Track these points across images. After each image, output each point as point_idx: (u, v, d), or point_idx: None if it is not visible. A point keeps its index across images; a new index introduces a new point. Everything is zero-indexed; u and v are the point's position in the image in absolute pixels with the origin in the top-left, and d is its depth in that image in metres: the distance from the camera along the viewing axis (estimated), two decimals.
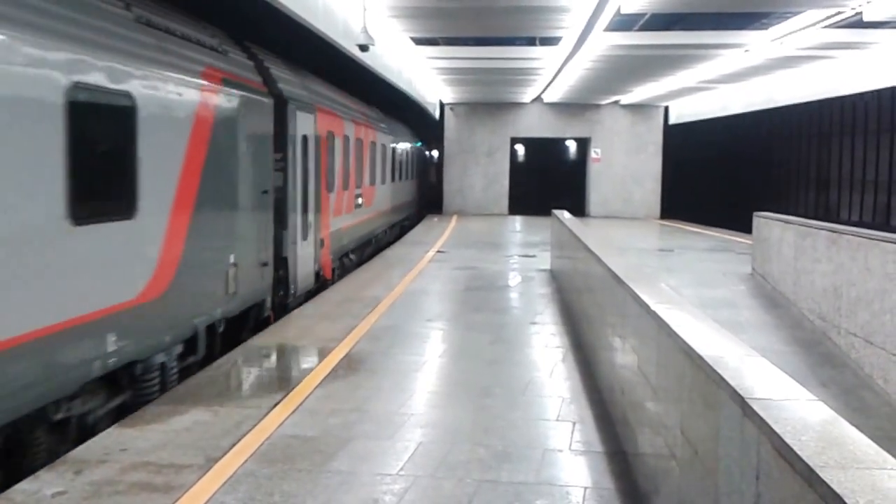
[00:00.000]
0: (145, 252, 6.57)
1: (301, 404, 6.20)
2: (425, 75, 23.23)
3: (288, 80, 11.03)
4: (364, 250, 16.87)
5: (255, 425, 5.66)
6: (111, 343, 6.04)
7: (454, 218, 29.08)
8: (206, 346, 7.75)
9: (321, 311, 10.21)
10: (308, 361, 7.63)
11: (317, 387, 6.69)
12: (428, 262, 15.89)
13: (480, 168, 31.46)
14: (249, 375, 7.11)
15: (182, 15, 7.91)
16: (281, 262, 10.34)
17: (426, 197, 32.77)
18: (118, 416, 6.19)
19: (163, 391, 6.79)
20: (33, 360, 5.18)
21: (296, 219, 10.79)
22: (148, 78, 6.52)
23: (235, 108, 8.47)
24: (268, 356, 7.84)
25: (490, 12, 14.00)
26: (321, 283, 12.26)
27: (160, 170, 6.76)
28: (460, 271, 14.55)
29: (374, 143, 17.67)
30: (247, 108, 8.81)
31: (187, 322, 7.40)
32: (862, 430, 2.45)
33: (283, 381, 6.94)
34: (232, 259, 8.47)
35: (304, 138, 11.14)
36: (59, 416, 5.60)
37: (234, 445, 5.25)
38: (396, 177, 22.19)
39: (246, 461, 4.98)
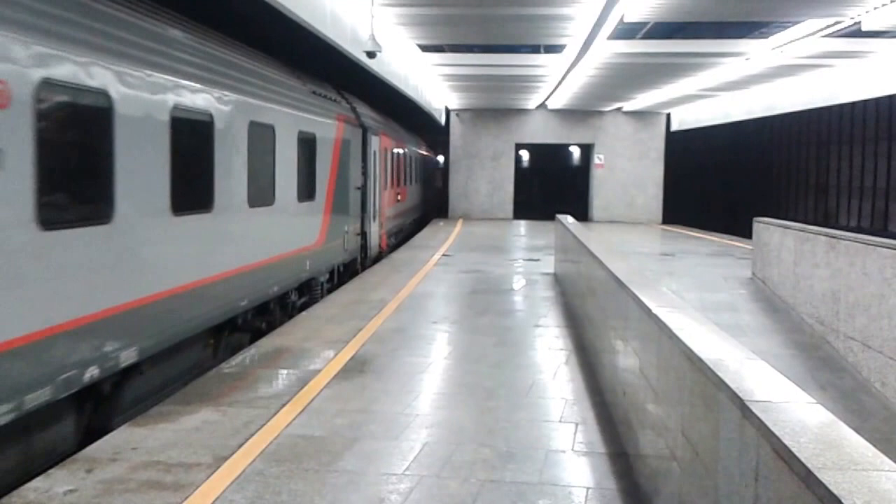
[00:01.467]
0: (318, 219, 11.84)
1: (308, 405, 6.26)
2: (431, 82, 23.34)
3: (365, 115, 16.00)
4: (399, 235, 21.80)
5: (263, 425, 5.72)
6: (307, 266, 11.17)
7: (459, 222, 29.16)
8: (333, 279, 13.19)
9: (329, 314, 10.29)
10: (315, 363, 7.68)
11: (324, 387, 6.75)
12: (433, 265, 15.96)
13: (486, 173, 31.57)
14: (258, 376, 7.16)
15: (316, 78, 12.99)
16: (363, 235, 15.41)
17: (431, 201, 33.01)
18: (303, 308, 10.96)
19: (321, 297, 11.82)
20: (286, 268, 10.12)
21: (370, 206, 15.96)
22: (320, 124, 11.82)
23: (347, 136, 13.63)
24: (276, 357, 7.89)
25: (495, 20, 14.11)
26: (380, 253, 17.40)
27: (324, 172, 12.05)
28: (465, 274, 14.61)
29: (405, 154, 22.66)
30: (351, 135, 14.01)
31: (330, 262, 12.71)
32: (859, 433, 2.49)
33: (290, 381, 6.98)
34: (346, 228, 13.73)
35: (374, 152, 16.33)
36: (289, 300, 10.64)
37: (242, 445, 5.30)
38: (417, 180, 26.91)
39: (254, 460, 5.03)
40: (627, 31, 15.78)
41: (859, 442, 2.40)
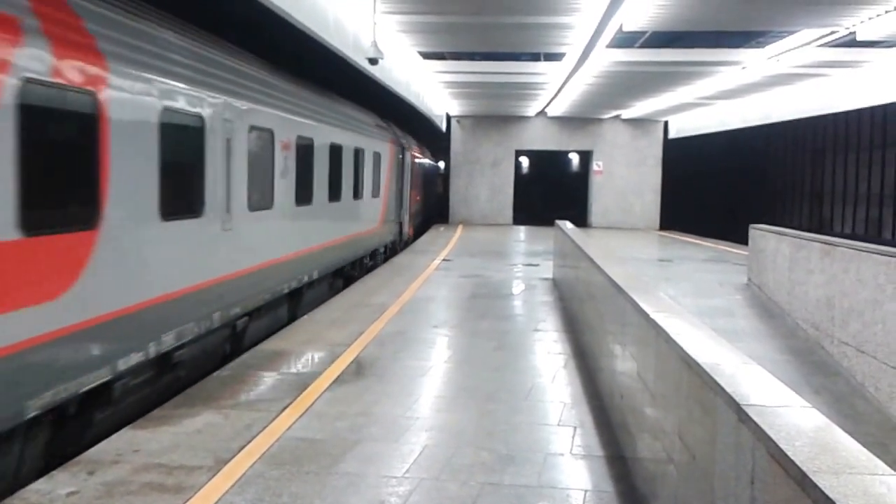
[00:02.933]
0: (379, 210, 16.82)
1: (310, 407, 6.30)
2: (433, 89, 23.45)
3: (401, 136, 21.31)
4: (416, 228, 26.42)
5: (264, 428, 5.74)
6: (373, 239, 16.34)
7: (460, 227, 29.26)
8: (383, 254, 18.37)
9: (330, 317, 10.33)
10: (317, 366, 7.70)
11: (325, 390, 6.79)
12: (434, 269, 16.03)
13: (486, 179, 31.68)
14: (259, 379, 7.19)
15: (373, 112, 17.80)
16: (399, 223, 20.46)
17: (432, 206, 33.20)
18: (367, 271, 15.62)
19: (381, 263, 16.95)
20: (365, 240, 15.38)
21: (404, 203, 21.27)
22: (381, 145, 16.75)
23: (393, 153, 18.84)
24: (277, 360, 7.91)
25: (496, 28, 14.18)
26: (407, 238, 22.77)
27: (383, 178, 17.07)
28: (465, 279, 14.67)
29: (420, 164, 27.31)
30: (394, 152, 19.00)
31: (384, 240, 17.99)
32: (853, 437, 2.51)
33: (292, 384, 7.01)
34: (391, 218, 18.88)
35: (406, 164, 21.57)
36: (364, 262, 15.78)
37: (243, 447, 5.33)
38: (425, 185, 30.78)
39: (255, 463, 5.06)
40: (626, 40, 15.90)
41: (854, 446, 2.42)
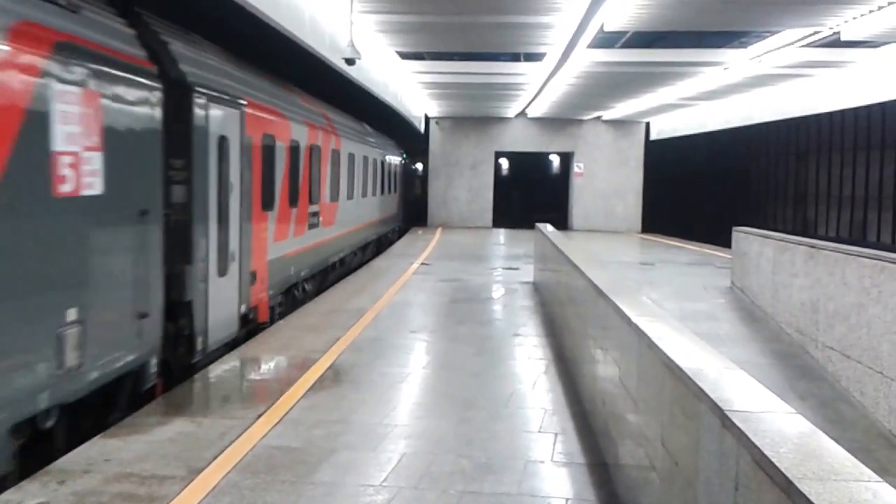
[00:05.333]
0: (397, 201, 27.42)
1: (285, 415, 6.20)
2: (411, 89, 23.37)
3: (404, 151, 29.24)
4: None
5: (238, 436, 5.66)
6: (393, 221, 26.36)
7: (438, 230, 29.20)
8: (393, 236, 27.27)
9: (306, 323, 10.22)
10: (292, 373, 7.61)
11: (301, 398, 6.69)
12: (412, 274, 15.95)
13: (465, 181, 31.63)
14: (234, 386, 7.11)
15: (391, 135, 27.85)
16: (403, 213, 29.63)
17: (411, 208, 33.30)
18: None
19: (397, 239, 26.08)
20: (390, 220, 25.59)
21: (404, 200, 29.82)
22: (396, 159, 27.03)
23: (401, 163, 28.60)
24: (252, 367, 7.84)
25: (475, 28, 14.13)
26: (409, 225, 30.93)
27: (399, 179, 28.06)
28: (444, 283, 14.61)
29: (412, 169, 35.75)
30: (402, 161, 29.02)
31: (397, 222, 27.39)
32: (839, 443, 2.49)
33: (267, 392, 6.93)
34: (401, 207, 28.68)
35: (407, 170, 29.97)
36: (388, 236, 25.39)
37: (217, 456, 5.25)
38: (410, 185, 37.70)
39: (229, 472, 4.98)
40: (607, 40, 15.87)
41: (839, 452, 2.41)
